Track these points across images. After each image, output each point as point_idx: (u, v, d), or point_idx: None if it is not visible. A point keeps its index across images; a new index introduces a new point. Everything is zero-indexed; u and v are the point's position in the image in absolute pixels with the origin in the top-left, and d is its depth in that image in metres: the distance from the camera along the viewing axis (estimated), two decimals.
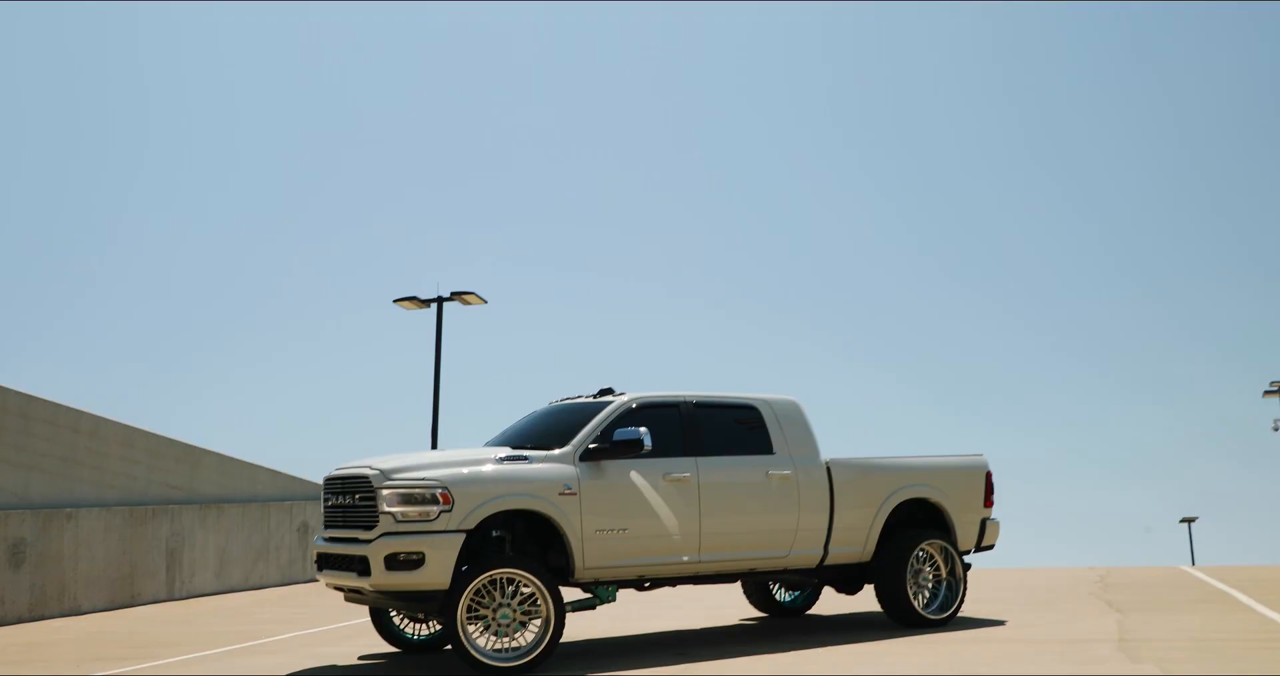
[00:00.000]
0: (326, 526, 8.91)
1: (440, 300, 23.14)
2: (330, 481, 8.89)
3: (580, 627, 10.70)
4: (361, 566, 8.19)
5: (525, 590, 8.32)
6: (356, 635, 10.78)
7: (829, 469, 9.93)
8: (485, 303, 23.38)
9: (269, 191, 52.46)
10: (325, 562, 8.79)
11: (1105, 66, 58.10)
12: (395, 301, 23.12)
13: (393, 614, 9.53)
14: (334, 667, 8.81)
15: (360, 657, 9.31)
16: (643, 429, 8.77)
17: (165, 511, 15.63)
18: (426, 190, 55.32)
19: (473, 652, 8.06)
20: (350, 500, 8.56)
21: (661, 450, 9.13)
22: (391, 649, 9.64)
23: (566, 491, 8.59)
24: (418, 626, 9.60)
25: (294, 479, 19.52)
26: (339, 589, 8.79)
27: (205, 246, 49.03)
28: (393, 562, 8.04)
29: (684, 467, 9.17)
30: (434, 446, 21.29)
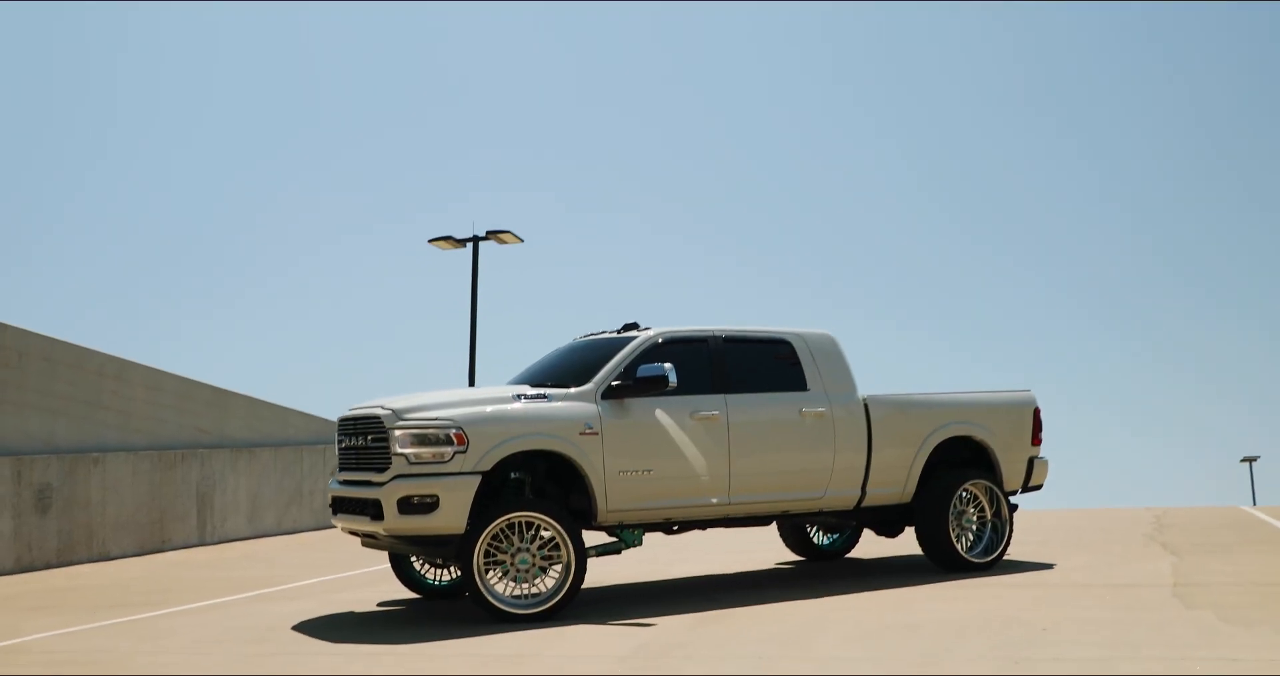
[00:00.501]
0: (340, 469, 8.58)
1: (476, 240, 22.88)
2: (343, 422, 8.55)
3: (605, 572, 10.36)
4: (374, 510, 7.86)
5: (545, 534, 7.96)
6: (380, 581, 10.50)
7: (866, 405, 9.45)
8: (521, 241, 23.08)
9: (305, 132, 52.17)
10: (340, 506, 8.47)
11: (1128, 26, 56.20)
12: (430, 241, 22.84)
13: (413, 559, 9.20)
14: (350, 614, 8.51)
15: (379, 604, 9.02)
16: (668, 365, 8.33)
17: (195, 455, 15.45)
18: (461, 129, 54.80)
19: (490, 599, 7.72)
20: (363, 441, 8.21)
21: (689, 387, 8.70)
22: (412, 595, 9.34)
23: (588, 431, 8.18)
24: (438, 572, 9.28)
25: (327, 422, 19.31)
26: (354, 533, 8.47)
27: (234, 189, 48.85)
28: (406, 506, 7.69)
29: (712, 405, 8.73)
30: (471, 386, 21.00)
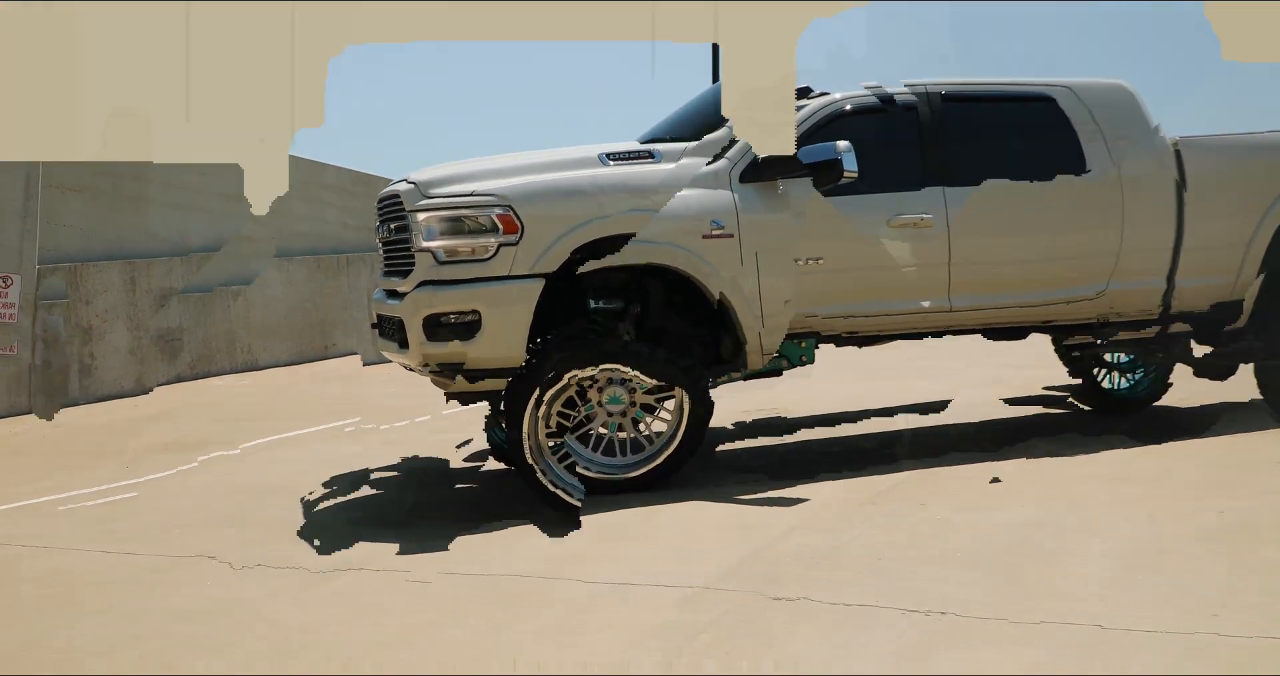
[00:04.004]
0: (383, 273, 6.00)
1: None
2: (377, 206, 5.95)
3: (769, 398, 7.57)
4: (400, 333, 5.29)
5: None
6: None
7: (1179, 153, 6.00)
8: None
9: None
10: (380, 327, 5.92)
11: None
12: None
13: None
14: (404, 471, 6.16)
15: (465, 460, 6.57)
16: (843, 143, 5.20)
17: (362, 260, 13.41)
18: None
19: (552, 472, 5.13)
20: (389, 232, 5.62)
21: (887, 179, 5.60)
22: None
23: (716, 231, 5.27)
24: None
25: None
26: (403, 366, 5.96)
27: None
28: (435, 327, 5.09)
29: (923, 204, 5.57)
30: None
